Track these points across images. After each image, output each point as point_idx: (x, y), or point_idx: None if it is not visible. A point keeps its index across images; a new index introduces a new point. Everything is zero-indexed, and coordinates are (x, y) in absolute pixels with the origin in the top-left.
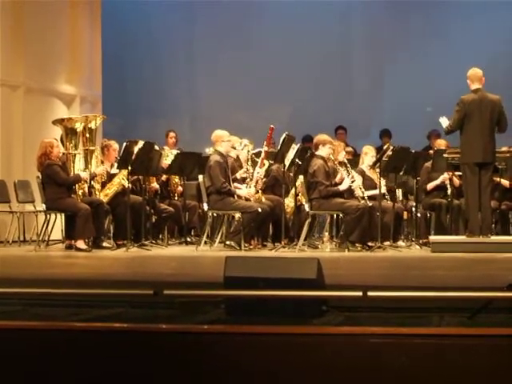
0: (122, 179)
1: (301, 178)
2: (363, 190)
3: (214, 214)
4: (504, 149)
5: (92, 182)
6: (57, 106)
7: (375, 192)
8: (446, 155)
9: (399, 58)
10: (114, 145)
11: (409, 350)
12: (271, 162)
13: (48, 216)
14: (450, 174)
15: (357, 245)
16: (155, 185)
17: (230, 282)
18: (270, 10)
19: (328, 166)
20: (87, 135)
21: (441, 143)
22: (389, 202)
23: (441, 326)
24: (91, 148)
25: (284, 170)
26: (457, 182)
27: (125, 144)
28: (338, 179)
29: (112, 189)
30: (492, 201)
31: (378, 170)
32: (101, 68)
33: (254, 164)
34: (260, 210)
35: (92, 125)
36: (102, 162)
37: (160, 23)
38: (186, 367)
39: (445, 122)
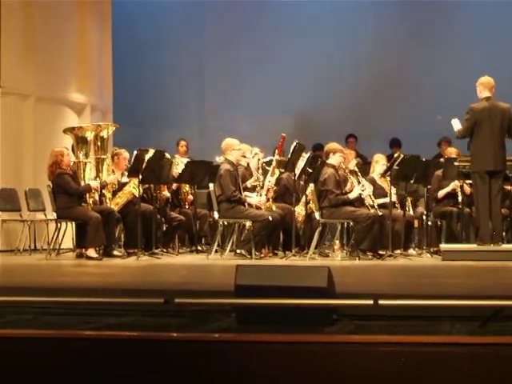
0: (132, 188)
1: (311, 186)
2: (373, 198)
3: (225, 223)
4: None
5: (103, 191)
6: (67, 115)
7: (386, 200)
8: (456, 163)
9: (411, 64)
10: (124, 153)
11: (419, 359)
12: (281, 170)
13: (59, 224)
14: (461, 182)
15: (367, 253)
16: (166, 193)
17: (241, 291)
18: (283, 16)
19: (339, 174)
20: (99, 144)
21: (451, 151)
22: (399, 211)
23: (451, 334)
24: (102, 157)
25: (294, 178)
26: (468, 190)
27: (135, 152)
28: (348, 188)
29: (123, 197)
30: (502, 209)
31: (388, 178)
32: (111, 76)
33: (265, 172)
34: (271, 218)
35: (104, 133)
36: (113, 171)
37: (172, 30)
38: (196, 376)
39: (456, 124)
